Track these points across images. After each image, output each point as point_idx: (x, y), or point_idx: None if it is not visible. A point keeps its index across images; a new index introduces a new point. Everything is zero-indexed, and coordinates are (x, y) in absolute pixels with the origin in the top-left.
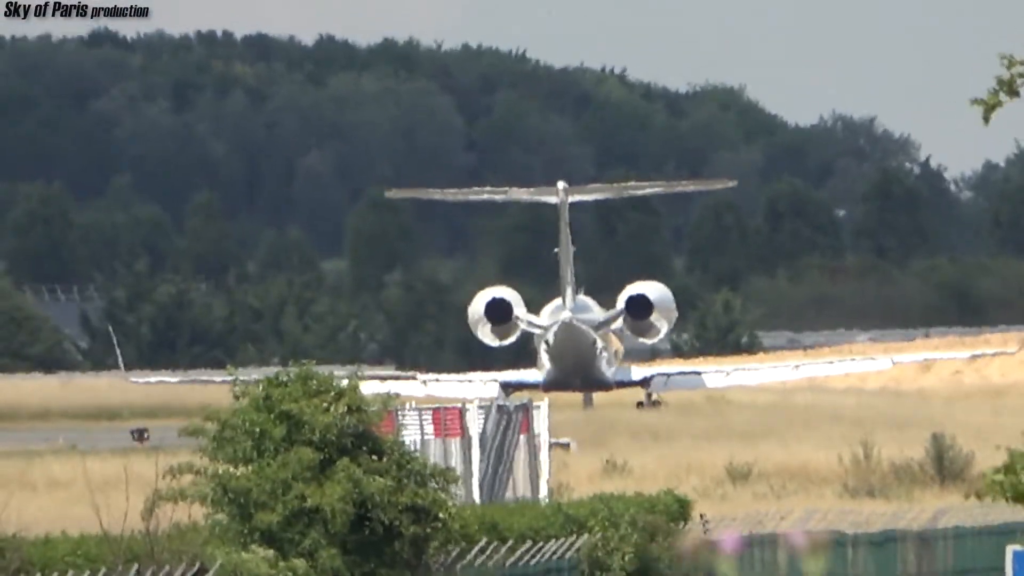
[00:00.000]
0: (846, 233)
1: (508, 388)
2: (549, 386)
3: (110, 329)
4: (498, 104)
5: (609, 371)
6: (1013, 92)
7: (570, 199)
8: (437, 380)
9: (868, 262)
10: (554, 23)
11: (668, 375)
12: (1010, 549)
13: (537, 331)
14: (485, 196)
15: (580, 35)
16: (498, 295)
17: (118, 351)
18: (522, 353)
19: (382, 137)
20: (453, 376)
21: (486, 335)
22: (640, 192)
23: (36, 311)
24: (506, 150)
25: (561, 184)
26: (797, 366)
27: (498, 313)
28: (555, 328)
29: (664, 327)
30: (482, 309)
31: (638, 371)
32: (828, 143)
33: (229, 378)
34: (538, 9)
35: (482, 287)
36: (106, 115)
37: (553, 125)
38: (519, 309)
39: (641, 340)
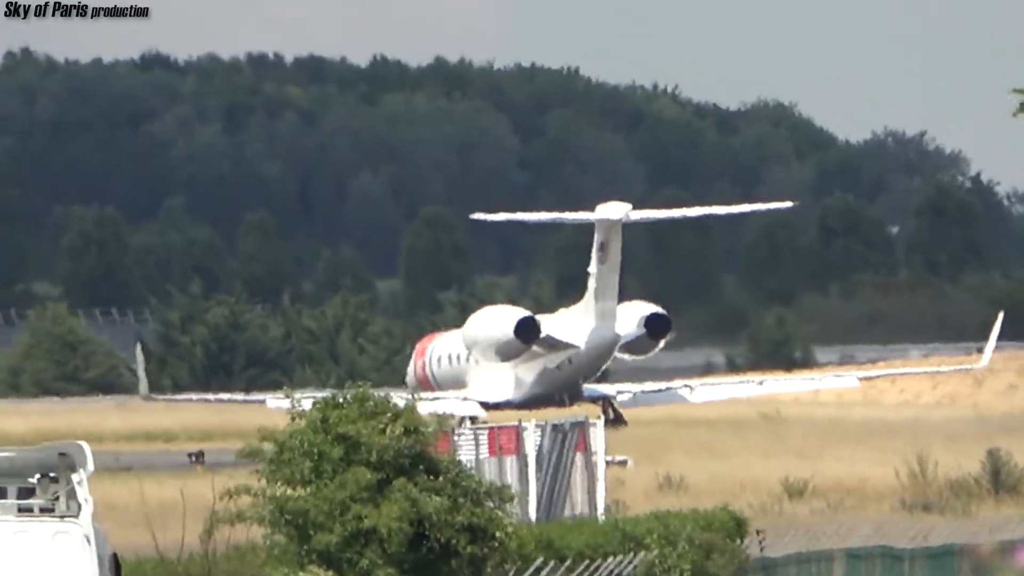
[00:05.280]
0: (899, 249)
1: (485, 406)
2: (530, 402)
3: (137, 349)
4: (551, 122)
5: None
6: None
7: (628, 220)
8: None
9: (920, 277)
10: (605, 41)
11: (634, 391)
12: None
13: (540, 349)
14: (573, 217)
15: (631, 53)
16: (523, 313)
17: (142, 370)
18: None
19: (435, 157)
20: (427, 394)
21: (492, 356)
22: (695, 214)
23: (90, 335)
24: (559, 168)
25: (626, 206)
26: (761, 382)
27: (528, 332)
28: (598, 343)
29: (660, 345)
30: (511, 328)
31: (603, 386)
32: (880, 159)
33: (285, 401)
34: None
35: (538, 305)
36: (159, 137)
37: (606, 143)
38: (545, 326)
39: (631, 357)
